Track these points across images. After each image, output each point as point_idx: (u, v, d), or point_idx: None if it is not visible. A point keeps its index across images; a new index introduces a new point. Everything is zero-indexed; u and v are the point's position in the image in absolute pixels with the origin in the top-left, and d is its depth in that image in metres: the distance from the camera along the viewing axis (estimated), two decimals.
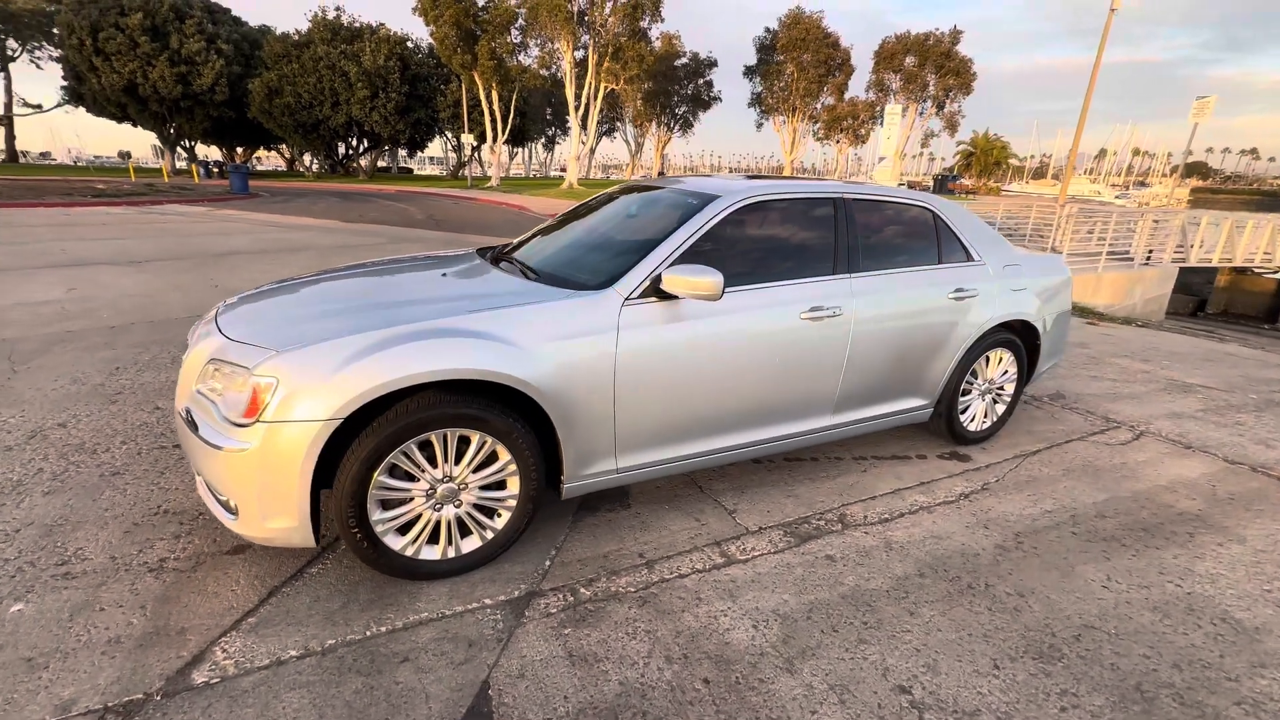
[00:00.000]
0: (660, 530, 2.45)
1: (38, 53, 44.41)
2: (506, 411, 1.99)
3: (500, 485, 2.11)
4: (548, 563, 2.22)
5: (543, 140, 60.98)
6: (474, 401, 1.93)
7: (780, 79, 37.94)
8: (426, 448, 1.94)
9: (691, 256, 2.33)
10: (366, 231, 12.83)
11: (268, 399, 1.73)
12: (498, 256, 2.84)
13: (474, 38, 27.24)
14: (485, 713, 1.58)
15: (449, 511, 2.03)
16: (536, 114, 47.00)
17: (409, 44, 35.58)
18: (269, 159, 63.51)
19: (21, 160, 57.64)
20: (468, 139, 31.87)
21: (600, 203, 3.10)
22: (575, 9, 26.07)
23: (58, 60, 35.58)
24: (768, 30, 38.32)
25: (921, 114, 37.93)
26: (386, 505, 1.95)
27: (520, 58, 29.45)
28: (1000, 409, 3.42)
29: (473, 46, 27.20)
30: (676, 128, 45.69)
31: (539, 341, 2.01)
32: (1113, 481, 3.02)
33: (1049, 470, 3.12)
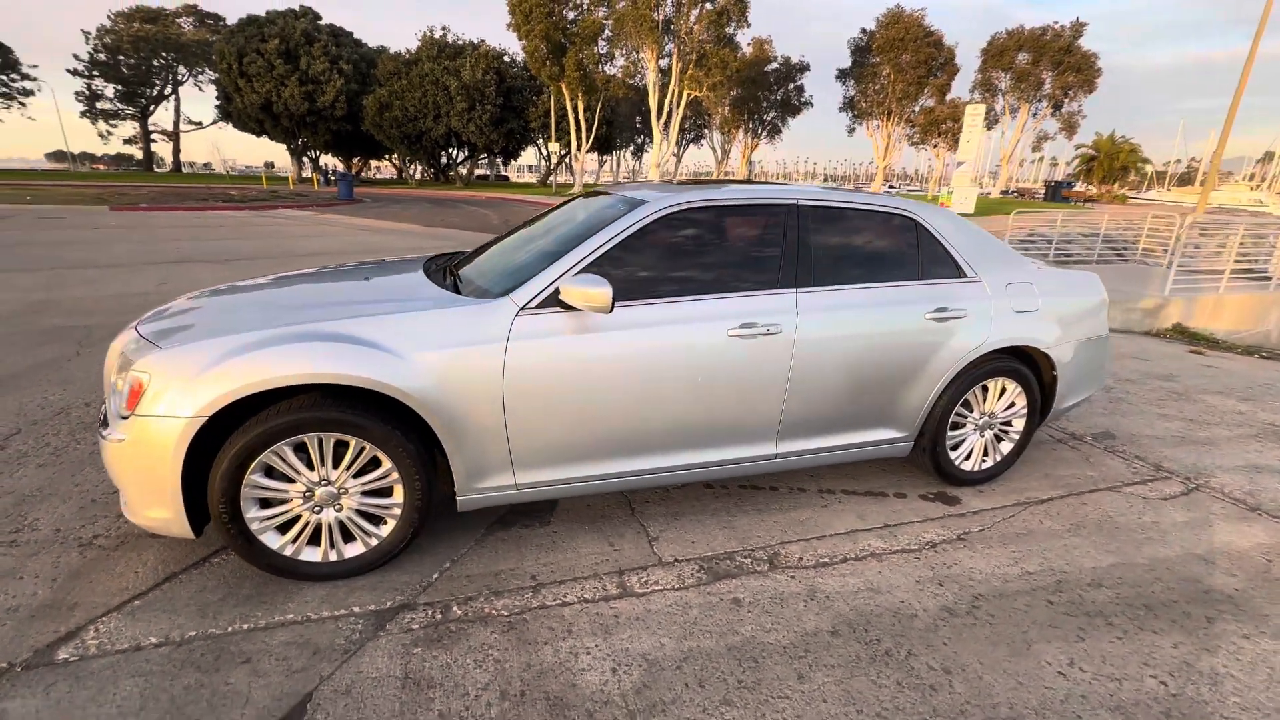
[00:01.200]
0: (567, 552, 2.33)
1: (200, 77, 51.30)
2: (383, 419, 1.96)
3: (386, 493, 2.09)
4: (436, 575, 2.17)
5: (631, 148, 61.96)
6: (347, 406, 1.92)
7: (875, 81, 36.17)
8: (305, 450, 1.95)
9: (608, 266, 2.21)
10: (441, 235, 13.57)
11: (143, 393, 1.81)
12: (449, 265, 2.84)
13: (562, 50, 28.17)
14: None
15: (329, 515, 2.04)
16: (626, 123, 47.80)
17: (505, 58, 37.45)
18: (385, 168, 69.23)
19: (185, 170, 66.75)
20: (553, 147, 33.01)
21: (558, 208, 3.03)
22: (661, 17, 26.28)
23: (213, 83, 40.83)
24: (864, 31, 36.69)
25: (1035, 115, 34.71)
26: (266, 504, 1.98)
27: (606, 68, 30.11)
28: (1006, 447, 2.97)
29: (561, 58, 28.14)
30: (764, 134, 44.80)
31: (420, 349, 1.97)
32: (1130, 544, 2.53)
33: (1052, 523, 2.66)
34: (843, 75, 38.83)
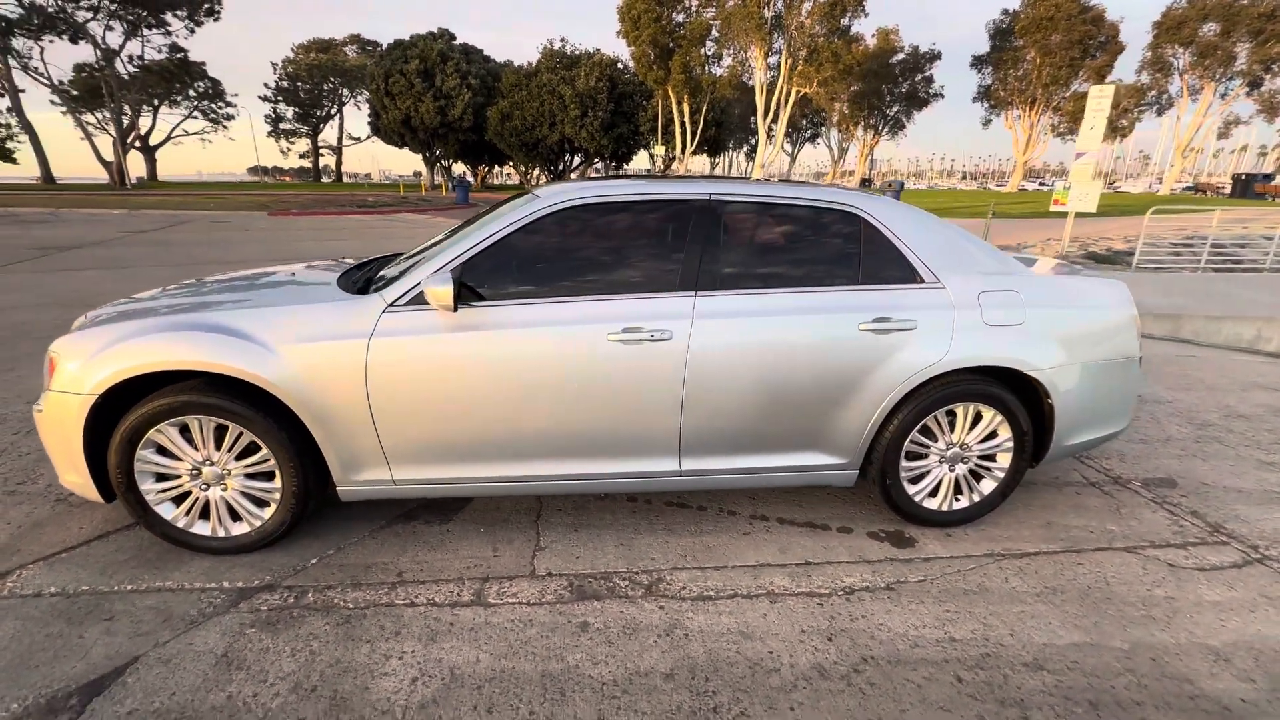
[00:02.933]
0: (448, 552, 2.31)
1: (359, 98, 58.09)
2: (254, 406, 2.06)
3: (269, 477, 2.19)
4: (315, 561, 2.24)
5: (745, 149, 60.91)
6: (222, 393, 2.04)
7: (1017, 67, 32.47)
8: (192, 430, 2.10)
9: (488, 263, 2.16)
10: None
11: (54, 371, 2.05)
12: (387, 262, 2.93)
13: (669, 53, 28.35)
14: (103, 686, 1.67)
15: (216, 493, 2.18)
16: (740, 123, 47.12)
17: (618, 65, 38.41)
18: (513, 175, 74.12)
19: (347, 179, 76.06)
20: (658, 151, 33.36)
21: (495, 206, 3.01)
22: (770, 13, 25.56)
23: (367, 102, 46.04)
24: (1005, 12, 33.07)
25: (1223, 96, 29.11)
26: (162, 478, 2.16)
27: (713, 69, 29.88)
28: (989, 486, 2.50)
29: (667, 62, 28.34)
30: (885, 130, 41.98)
31: (287, 342, 2.04)
32: (1115, 623, 2.01)
33: (1021, 583, 2.19)
34: (979, 62, 35.33)
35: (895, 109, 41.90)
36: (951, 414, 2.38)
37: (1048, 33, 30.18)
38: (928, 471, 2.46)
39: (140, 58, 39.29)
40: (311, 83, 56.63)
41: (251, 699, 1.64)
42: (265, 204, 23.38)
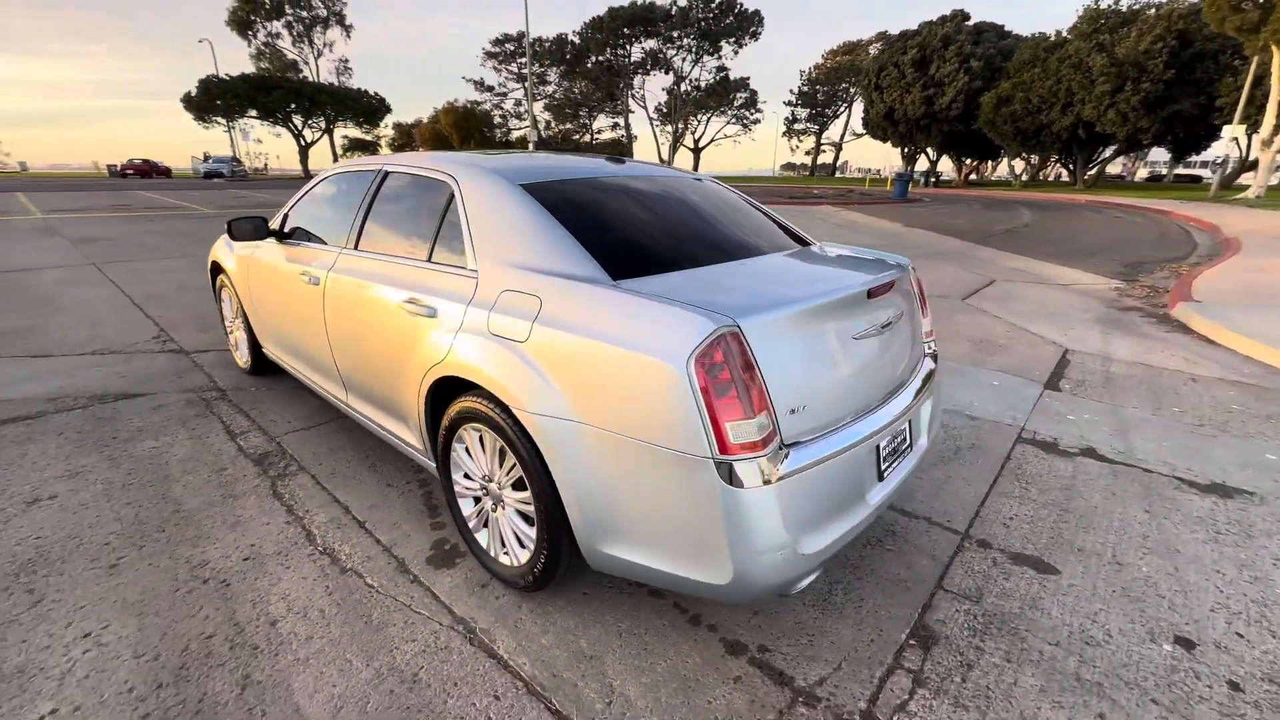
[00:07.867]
0: (273, 412, 3.37)
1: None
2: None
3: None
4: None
5: None
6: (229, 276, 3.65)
7: None
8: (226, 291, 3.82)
9: (298, 212, 3.04)
10: (886, 234, 12.85)
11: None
12: None
13: None
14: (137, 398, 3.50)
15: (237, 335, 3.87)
16: None
17: (1198, 15, 27.25)
18: (1014, 168, 63.26)
19: (838, 175, 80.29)
20: (1230, 131, 22.35)
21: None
22: None
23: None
24: None
25: None
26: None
27: None
28: (525, 555, 1.86)
29: None
30: None
31: (235, 252, 3.46)
32: None
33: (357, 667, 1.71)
34: None
35: None
36: (480, 434, 1.91)
37: None
38: (479, 498, 2.04)
39: (697, 80, 51.33)
40: (829, 85, 61.57)
41: (155, 455, 3.14)
42: None
